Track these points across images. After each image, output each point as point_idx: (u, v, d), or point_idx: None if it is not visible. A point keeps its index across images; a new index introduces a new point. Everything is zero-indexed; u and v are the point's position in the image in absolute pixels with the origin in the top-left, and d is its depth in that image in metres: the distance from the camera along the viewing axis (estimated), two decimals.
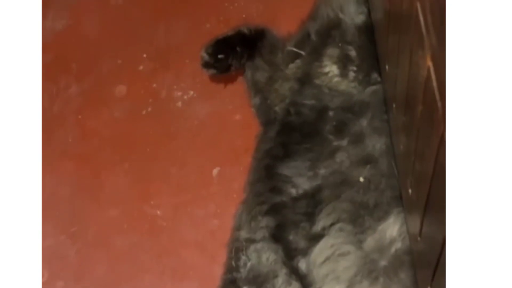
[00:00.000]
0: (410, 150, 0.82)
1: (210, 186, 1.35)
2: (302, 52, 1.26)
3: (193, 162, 1.37)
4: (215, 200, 1.33)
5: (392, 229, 1.00)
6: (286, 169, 1.12)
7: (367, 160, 1.07)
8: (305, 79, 1.22)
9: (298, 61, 1.26)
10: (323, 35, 1.25)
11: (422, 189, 0.74)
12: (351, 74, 1.19)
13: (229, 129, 1.39)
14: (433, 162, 0.65)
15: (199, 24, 1.50)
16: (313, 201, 1.07)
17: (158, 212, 1.34)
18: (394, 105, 0.97)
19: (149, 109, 1.44)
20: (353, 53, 1.20)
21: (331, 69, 1.20)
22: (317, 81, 1.20)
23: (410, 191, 0.87)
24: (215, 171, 1.36)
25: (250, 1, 1.51)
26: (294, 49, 1.27)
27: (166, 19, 1.53)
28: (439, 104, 0.60)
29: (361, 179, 1.06)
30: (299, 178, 1.10)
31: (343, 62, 1.20)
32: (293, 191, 1.10)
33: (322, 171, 1.09)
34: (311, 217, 1.05)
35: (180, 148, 1.39)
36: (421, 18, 0.69)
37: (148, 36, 1.51)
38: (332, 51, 1.22)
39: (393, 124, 1.03)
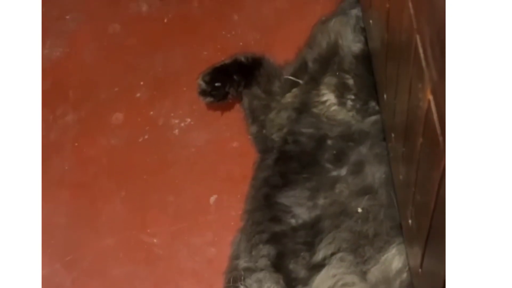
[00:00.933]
0: (410, 181, 0.82)
1: (207, 214, 1.34)
2: (300, 81, 1.26)
3: (190, 190, 1.37)
4: (213, 228, 1.32)
5: (398, 260, 1.00)
6: (285, 199, 1.11)
7: (366, 191, 1.07)
8: (302, 108, 1.22)
9: (295, 90, 1.26)
10: (320, 64, 1.26)
11: (423, 220, 0.74)
12: (349, 103, 1.19)
13: (227, 156, 1.39)
14: (434, 195, 0.65)
15: (197, 52, 1.51)
16: (312, 231, 1.06)
17: (155, 241, 1.33)
18: (393, 135, 0.97)
19: (146, 137, 1.44)
20: (350, 81, 1.21)
21: (329, 97, 1.21)
22: (315, 110, 1.20)
23: (410, 221, 0.87)
24: (212, 199, 1.35)
25: (247, 29, 1.52)
26: (292, 78, 1.28)
27: (164, 47, 1.53)
28: (440, 138, 0.60)
29: (359, 210, 1.06)
30: (298, 208, 1.10)
31: (341, 90, 1.20)
32: (293, 221, 1.09)
33: (321, 201, 1.09)
34: (311, 246, 1.05)
35: (177, 175, 1.39)
36: (421, 51, 0.69)
37: (145, 64, 1.52)
38: (330, 79, 1.22)
39: (392, 154, 1.03)
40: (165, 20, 1.57)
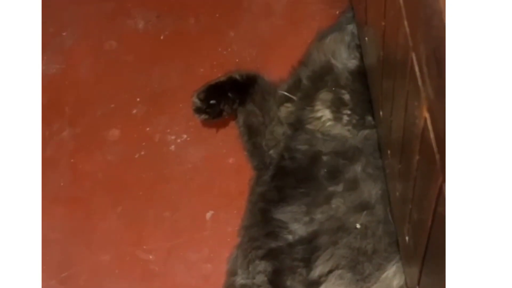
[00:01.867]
0: (407, 198, 0.82)
1: (203, 230, 1.34)
2: (294, 97, 1.27)
3: (187, 205, 1.37)
4: (209, 244, 1.32)
5: (398, 279, 1.00)
6: (282, 214, 1.12)
7: (363, 206, 1.07)
8: (297, 125, 1.22)
9: (289, 105, 1.27)
10: (315, 80, 1.26)
11: (421, 238, 0.74)
12: (345, 118, 1.20)
13: (223, 172, 1.39)
14: (431, 212, 0.66)
15: (193, 68, 1.52)
16: (309, 247, 1.06)
17: (151, 257, 1.33)
18: (389, 152, 0.97)
19: (142, 153, 1.44)
20: (346, 96, 1.21)
21: (324, 113, 1.21)
22: (310, 127, 1.21)
23: (407, 239, 0.87)
24: (208, 215, 1.35)
25: (243, 46, 1.53)
26: (286, 94, 1.28)
27: (160, 63, 1.54)
28: (437, 156, 0.60)
29: (358, 226, 1.06)
30: (295, 224, 1.10)
31: (337, 105, 1.21)
32: (289, 237, 1.09)
33: (318, 217, 1.09)
34: (308, 263, 1.05)
35: (173, 191, 1.39)
36: (417, 68, 0.70)
37: (141, 80, 1.52)
38: (325, 95, 1.23)
39: (388, 170, 1.03)
40: (162, 37, 1.58)
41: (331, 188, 1.11)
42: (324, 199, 1.10)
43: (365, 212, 1.06)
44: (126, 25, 1.60)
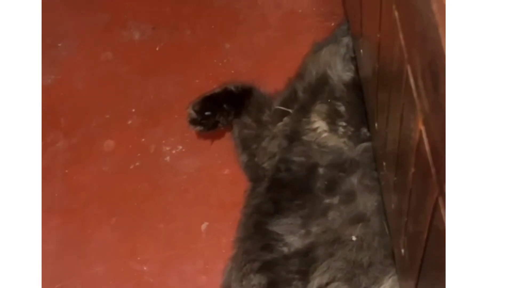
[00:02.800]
0: (403, 210, 0.82)
1: (198, 241, 1.33)
2: (289, 110, 1.27)
3: (182, 217, 1.36)
4: (204, 255, 1.32)
5: None
6: (277, 227, 1.11)
7: (359, 219, 1.07)
8: (293, 136, 1.23)
9: (285, 119, 1.27)
10: (310, 93, 1.26)
11: (416, 250, 0.74)
12: (341, 130, 1.20)
13: (218, 184, 1.39)
14: (427, 225, 0.66)
15: (189, 79, 1.52)
16: (306, 259, 1.06)
17: (145, 268, 1.32)
18: (384, 164, 0.97)
19: (137, 164, 1.44)
20: (342, 108, 1.22)
21: (320, 125, 1.21)
22: (305, 138, 1.21)
23: (403, 251, 0.87)
24: (203, 226, 1.35)
25: (239, 58, 1.53)
26: (281, 108, 1.29)
27: (156, 74, 1.54)
28: (433, 169, 0.60)
29: (354, 238, 1.06)
30: (291, 236, 1.10)
31: (332, 117, 1.21)
32: (285, 249, 1.09)
33: (314, 229, 1.09)
34: (304, 275, 1.04)
35: (168, 203, 1.38)
36: (412, 81, 0.70)
37: (137, 91, 1.52)
38: (321, 107, 1.23)
39: (383, 182, 1.04)
40: (157, 48, 1.58)
41: (327, 201, 1.11)
42: (320, 211, 1.10)
43: (360, 224, 1.06)
44: (122, 37, 1.60)
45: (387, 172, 0.96)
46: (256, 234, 1.14)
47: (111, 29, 1.62)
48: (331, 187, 1.12)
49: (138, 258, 1.33)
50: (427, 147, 0.64)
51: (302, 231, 1.09)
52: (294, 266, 1.06)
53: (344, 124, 1.20)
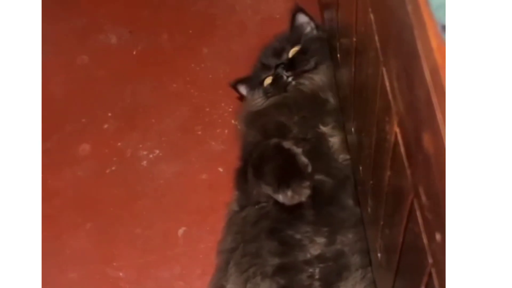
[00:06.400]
0: (379, 214, 0.82)
1: (175, 247, 1.32)
2: None
3: (159, 222, 1.35)
4: (181, 261, 1.31)
5: None
6: (294, 232, 1.07)
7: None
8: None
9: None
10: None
11: (392, 254, 0.74)
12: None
13: (196, 189, 1.38)
14: (403, 229, 0.65)
15: (166, 84, 1.51)
16: (333, 266, 1.03)
17: (121, 274, 1.30)
18: (360, 168, 0.97)
19: (114, 168, 1.42)
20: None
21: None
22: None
23: (379, 255, 0.87)
24: (180, 232, 1.34)
25: (216, 63, 1.53)
26: None
27: (133, 79, 1.53)
28: (408, 171, 0.60)
29: None
30: (311, 243, 1.06)
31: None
32: (306, 255, 1.05)
33: (345, 238, 1.06)
34: (328, 282, 1.02)
35: (145, 208, 1.37)
36: (387, 84, 0.70)
37: (113, 95, 1.51)
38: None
39: (360, 187, 1.03)
40: (134, 52, 1.57)
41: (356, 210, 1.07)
42: (353, 222, 1.07)
43: None
44: (99, 41, 1.59)
45: (364, 176, 0.96)
46: (266, 239, 1.09)
47: (87, 33, 1.61)
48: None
49: (114, 264, 1.31)
50: (402, 149, 0.64)
51: (327, 239, 1.06)
52: (316, 272, 1.04)
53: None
